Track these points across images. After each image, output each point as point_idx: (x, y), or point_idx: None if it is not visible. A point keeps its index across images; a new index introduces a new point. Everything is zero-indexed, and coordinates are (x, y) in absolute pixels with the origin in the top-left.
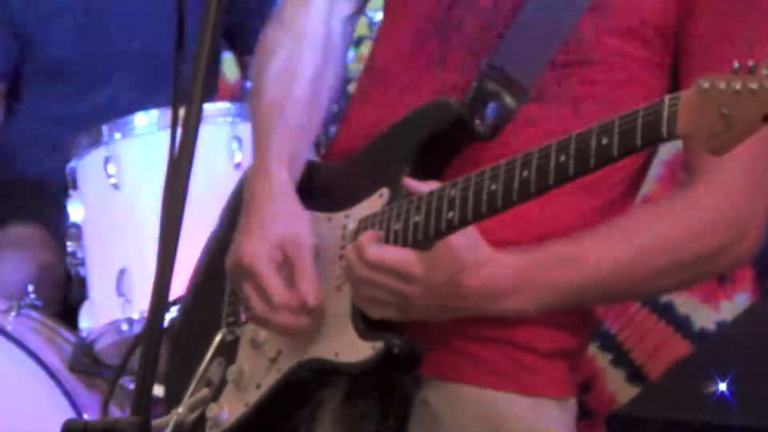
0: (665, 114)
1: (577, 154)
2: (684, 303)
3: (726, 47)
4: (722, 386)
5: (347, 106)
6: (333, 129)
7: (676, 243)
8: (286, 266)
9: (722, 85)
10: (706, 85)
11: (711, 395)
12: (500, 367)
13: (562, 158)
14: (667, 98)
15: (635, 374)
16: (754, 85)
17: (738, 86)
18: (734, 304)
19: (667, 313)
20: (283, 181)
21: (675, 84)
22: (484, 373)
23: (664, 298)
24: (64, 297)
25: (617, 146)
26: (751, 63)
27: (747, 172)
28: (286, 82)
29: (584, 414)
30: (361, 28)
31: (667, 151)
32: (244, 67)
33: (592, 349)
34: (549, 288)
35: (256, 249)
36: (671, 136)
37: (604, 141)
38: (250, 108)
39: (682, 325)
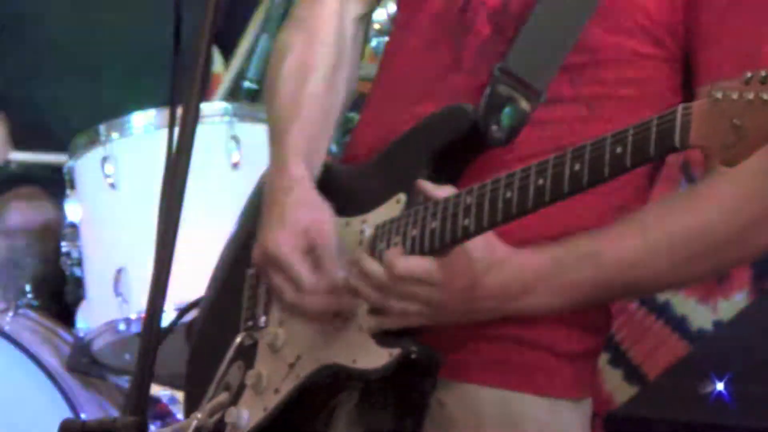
0: (678, 124)
1: (591, 162)
2: (682, 303)
3: (733, 43)
4: (720, 386)
5: (362, 108)
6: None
7: (692, 235)
8: (311, 251)
9: (735, 96)
10: (719, 95)
11: (709, 395)
12: (516, 368)
13: (577, 167)
14: (680, 108)
15: (633, 374)
16: (766, 96)
17: (751, 96)
18: (732, 304)
19: (664, 312)
20: (301, 173)
21: (689, 78)
22: (499, 374)
23: (662, 298)
24: (60, 291)
25: (630, 155)
26: (763, 72)
27: (762, 162)
28: (301, 80)
29: None
30: None
31: None
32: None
33: None
34: (569, 286)
35: (279, 238)
36: (684, 147)
37: (618, 150)
38: (265, 106)
39: (679, 324)
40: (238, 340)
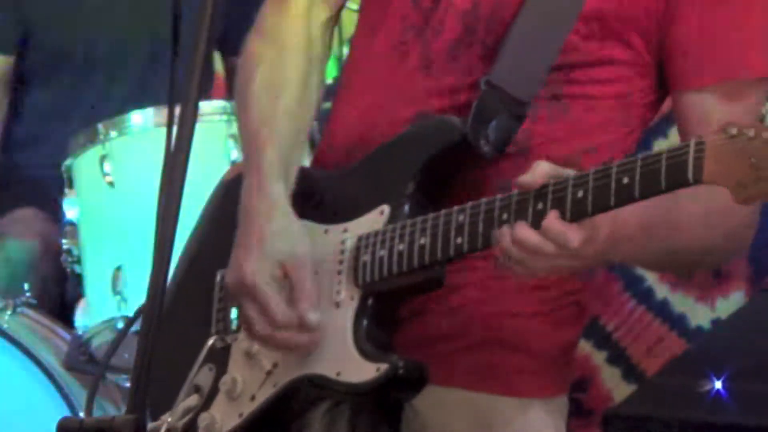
0: (691, 160)
1: (595, 191)
2: (680, 301)
3: (712, 52)
4: (718, 384)
5: (332, 111)
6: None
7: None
8: (286, 283)
9: (751, 134)
10: (734, 131)
11: (707, 393)
12: (487, 370)
13: (580, 194)
14: (693, 143)
15: (631, 372)
16: None
17: None
18: (730, 302)
19: (662, 311)
20: (279, 198)
21: (659, 82)
22: (470, 376)
23: (660, 296)
24: (61, 289)
25: (639, 187)
26: None
27: None
28: (273, 95)
29: (580, 412)
30: (353, 25)
31: (658, 143)
32: (229, 69)
33: (588, 348)
34: (656, 244)
35: (256, 268)
36: (697, 182)
37: (625, 180)
38: (238, 122)
39: (677, 323)
40: (210, 342)
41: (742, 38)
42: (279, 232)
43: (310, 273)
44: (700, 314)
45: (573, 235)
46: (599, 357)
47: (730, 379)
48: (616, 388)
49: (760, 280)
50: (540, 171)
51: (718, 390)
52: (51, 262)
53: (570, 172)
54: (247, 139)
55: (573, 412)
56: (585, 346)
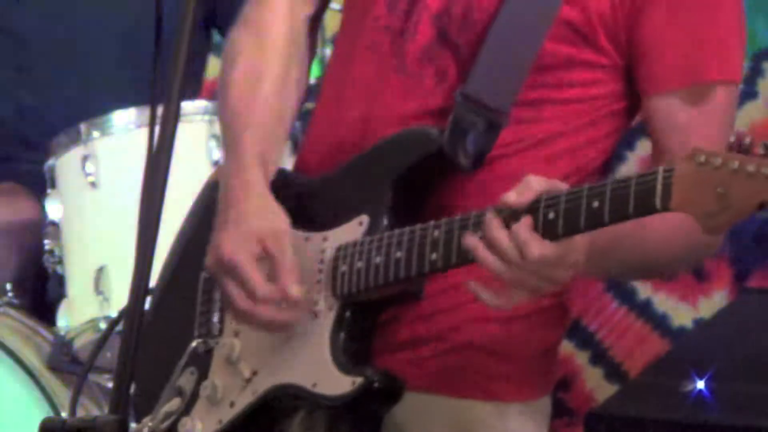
0: (659, 187)
1: (566, 213)
2: (662, 301)
3: (676, 55)
4: (700, 384)
5: (313, 113)
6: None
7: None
8: (267, 260)
9: (718, 162)
10: (702, 158)
11: (689, 393)
12: (464, 375)
13: (551, 215)
14: (661, 170)
15: (614, 372)
16: (751, 168)
17: (735, 166)
18: (712, 302)
19: (645, 311)
20: (257, 178)
21: (632, 85)
22: (448, 381)
23: (642, 296)
24: (42, 287)
25: (609, 212)
26: (747, 140)
27: None
28: (252, 84)
29: (562, 412)
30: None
31: (644, 147)
32: None
33: (571, 348)
34: (618, 261)
35: (235, 244)
36: (665, 210)
37: (595, 204)
38: (218, 111)
39: (660, 323)
40: (192, 345)
41: (706, 42)
42: (256, 209)
43: (290, 248)
44: (682, 314)
45: (534, 245)
46: (582, 357)
47: (713, 379)
48: (599, 388)
49: (743, 280)
50: (530, 187)
51: (700, 390)
52: (32, 240)
53: (562, 186)
54: (226, 125)
55: (556, 412)
56: (567, 346)
